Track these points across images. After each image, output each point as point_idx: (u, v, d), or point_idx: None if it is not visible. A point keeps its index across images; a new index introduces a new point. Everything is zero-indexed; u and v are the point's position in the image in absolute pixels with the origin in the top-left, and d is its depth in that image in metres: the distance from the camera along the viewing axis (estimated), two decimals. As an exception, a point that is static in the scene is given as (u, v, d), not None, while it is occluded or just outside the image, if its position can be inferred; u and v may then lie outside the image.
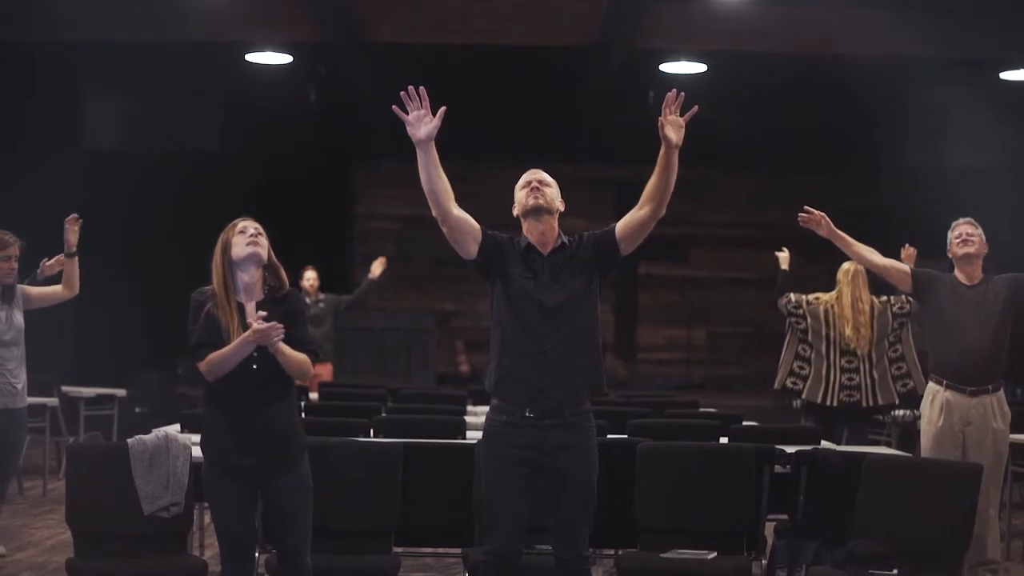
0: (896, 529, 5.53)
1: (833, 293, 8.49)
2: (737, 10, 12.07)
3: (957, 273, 6.81)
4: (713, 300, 17.46)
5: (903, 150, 15.46)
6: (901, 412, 10.13)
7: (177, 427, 7.20)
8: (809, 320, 8.42)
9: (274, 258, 5.10)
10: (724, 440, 7.10)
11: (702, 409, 9.68)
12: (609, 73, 13.84)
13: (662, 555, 5.68)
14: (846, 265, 8.38)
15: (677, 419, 8.19)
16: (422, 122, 4.78)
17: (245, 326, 4.92)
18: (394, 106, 4.77)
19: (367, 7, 12.84)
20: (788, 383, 8.50)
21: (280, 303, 5.06)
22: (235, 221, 5.09)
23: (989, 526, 6.58)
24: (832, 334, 8.37)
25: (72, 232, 7.35)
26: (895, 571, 5.40)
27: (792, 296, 8.51)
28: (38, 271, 7.54)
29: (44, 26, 12.31)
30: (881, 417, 9.75)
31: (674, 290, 17.32)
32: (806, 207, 6.69)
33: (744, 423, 8.11)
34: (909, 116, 14.92)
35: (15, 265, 6.87)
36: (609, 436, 6.70)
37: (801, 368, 8.44)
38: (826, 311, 8.39)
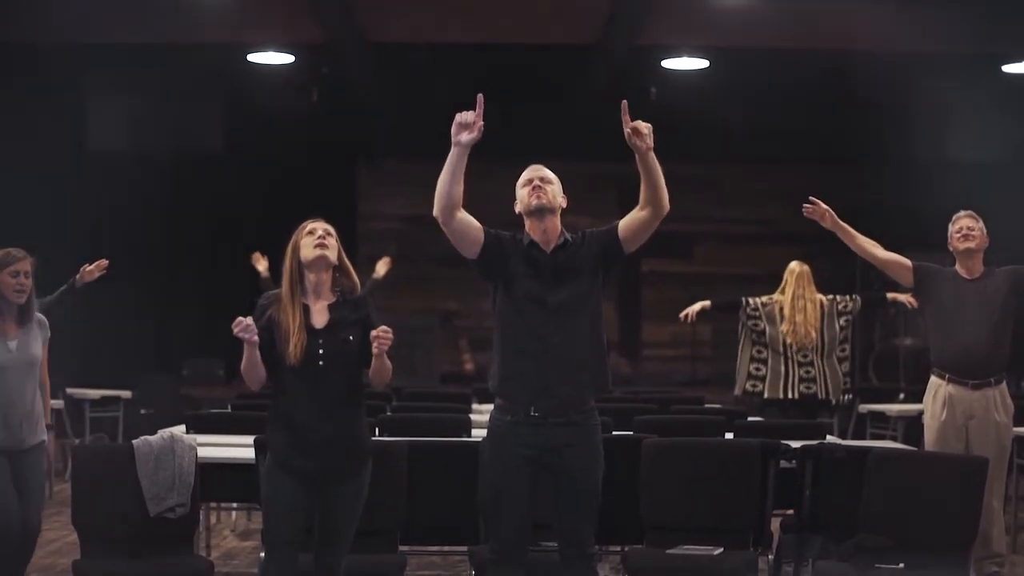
0: (902, 523, 5.54)
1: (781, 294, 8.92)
2: (738, 6, 12.05)
3: (958, 267, 6.81)
4: (717, 296, 17.42)
5: (906, 145, 15.44)
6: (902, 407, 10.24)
7: (182, 428, 7.23)
8: (765, 322, 8.82)
9: (345, 259, 5.07)
10: (730, 436, 7.11)
11: (707, 405, 9.71)
12: (611, 70, 13.83)
13: (668, 551, 5.69)
14: (792, 265, 8.93)
15: (682, 415, 8.21)
16: (470, 128, 4.79)
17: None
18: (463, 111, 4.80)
19: (369, 7, 12.83)
20: (748, 387, 8.90)
21: (355, 308, 5.01)
22: (305, 223, 5.06)
23: (994, 519, 6.59)
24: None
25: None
26: (901, 564, 5.40)
27: (750, 300, 8.92)
28: (77, 276, 7.29)
29: (46, 27, 12.31)
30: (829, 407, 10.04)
31: (678, 286, 17.25)
32: (811, 198, 6.69)
33: (749, 418, 8.12)
34: (912, 110, 14.89)
35: (25, 281, 5.96)
36: (614, 432, 6.70)
37: (758, 370, 8.84)
38: (780, 309, 8.80)
